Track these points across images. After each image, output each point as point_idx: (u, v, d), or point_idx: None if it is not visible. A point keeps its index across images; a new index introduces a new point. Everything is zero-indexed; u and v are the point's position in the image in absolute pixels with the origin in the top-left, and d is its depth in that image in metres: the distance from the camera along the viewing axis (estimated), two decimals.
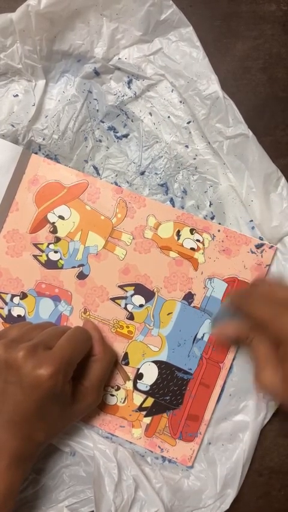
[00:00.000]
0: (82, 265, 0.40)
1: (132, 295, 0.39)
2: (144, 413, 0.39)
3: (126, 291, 0.39)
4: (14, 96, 0.41)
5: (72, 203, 0.40)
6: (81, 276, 0.40)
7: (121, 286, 0.39)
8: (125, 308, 0.39)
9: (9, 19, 0.37)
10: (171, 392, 0.38)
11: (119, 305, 0.39)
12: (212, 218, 0.40)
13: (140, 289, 0.39)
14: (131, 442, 0.39)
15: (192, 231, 0.39)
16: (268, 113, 0.40)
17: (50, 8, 0.37)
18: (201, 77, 0.38)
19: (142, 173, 0.40)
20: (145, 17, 0.38)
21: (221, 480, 0.37)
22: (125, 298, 0.39)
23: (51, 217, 0.40)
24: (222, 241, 0.39)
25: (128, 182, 0.40)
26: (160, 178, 0.40)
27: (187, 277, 0.39)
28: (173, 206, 0.40)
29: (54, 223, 0.40)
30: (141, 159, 0.40)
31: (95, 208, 0.40)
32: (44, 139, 0.40)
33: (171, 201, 0.40)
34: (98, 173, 0.41)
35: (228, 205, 0.40)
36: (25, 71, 0.39)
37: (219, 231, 0.39)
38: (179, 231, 0.39)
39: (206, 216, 0.40)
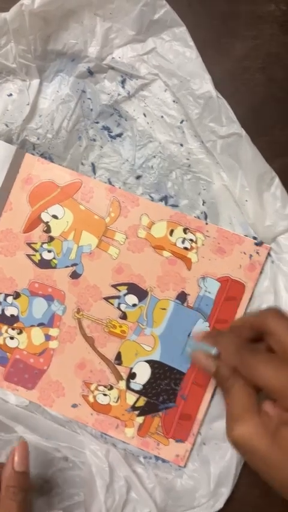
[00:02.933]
0: (75, 264, 0.40)
1: (125, 295, 0.39)
2: (137, 412, 0.38)
3: (120, 291, 0.39)
4: (8, 95, 0.41)
5: (66, 202, 0.40)
6: (75, 275, 0.40)
7: (114, 286, 0.39)
8: (118, 308, 0.39)
9: (3, 18, 0.37)
10: (164, 392, 0.38)
11: (112, 304, 0.39)
12: (206, 217, 0.40)
13: (133, 288, 0.39)
14: (124, 442, 0.39)
15: (185, 230, 0.39)
16: (266, 113, 0.40)
17: (43, 8, 0.37)
18: (194, 77, 0.38)
19: (138, 177, 0.40)
20: (138, 16, 0.38)
21: (214, 479, 0.37)
22: (118, 297, 0.39)
23: (45, 217, 0.40)
24: (216, 241, 0.39)
25: (121, 181, 0.40)
26: (154, 177, 0.40)
27: (180, 277, 0.39)
28: (166, 205, 0.40)
29: (47, 222, 0.40)
30: (134, 158, 0.40)
31: (89, 207, 0.40)
32: (38, 138, 0.40)
33: (165, 200, 0.40)
34: (94, 172, 0.40)
35: (222, 205, 0.40)
36: (19, 70, 0.39)
37: (212, 230, 0.39)
38: (172, 231, 0.39)
39: (200, 215, 0.40)
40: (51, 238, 0.40)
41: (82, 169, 0.41)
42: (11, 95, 0.41)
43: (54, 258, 0.40)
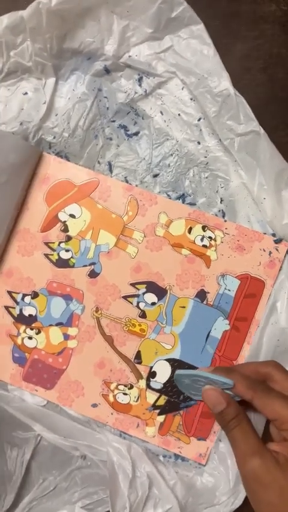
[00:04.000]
0: (93, 263, 0.39)
1: (144, 293, 0.39)
2: (157, 411, 0.38)
3: (138, 289, 0.39)
4: (24, 94, 0.40)
5: (83, 201, 0.40)
6: (93, 274, 0.39)
7: (133, 284, 0.39)
8: (137, 306, 0.39)
9: (20, 17, 0.37)
10: None
11: (131, 303, 0.39)
12: (223, 215, 0.40)
13: (152, 287, 0.39)
14: (144, 441, 0.39)
15: (204, 228, 0.39)
16: (268, 113, 0.40)
17: (61, 6, 0.36)
18: (212, 74, 0.38)
19: (155, 176, 0.40)
20: (156, 14, 0.38)
21: (233, 476, 0.37)
22: (137, 296, 0.39)
23: (62, 216, 0.40)
24: (235, 238, 0.39)
25: (138, 180, 0.40)
26: (171, 175, 0.40)
27: (199, 275, 0.39)
28: (184, 203, 0.40)
29: (65, 221, 0.40)
30: (151, 156, 0.40)
31: (106, 206, 0.40)
32: (54, 137, 0.40)
33: (182, 198, 0.40)
34: (111, 170, 0.40)
35: (240, 203, 0.40)
36: (35, 69, 0.39)
37: (231, 228, 0.39)
38: (190, 228, 0.39)
39: (217, 213, 0.40)
40: (69, 238, 0.40)
41: (98, 168, 0.41)
42: (26, 93, 0.40)
43: (72, 257, 0.39)
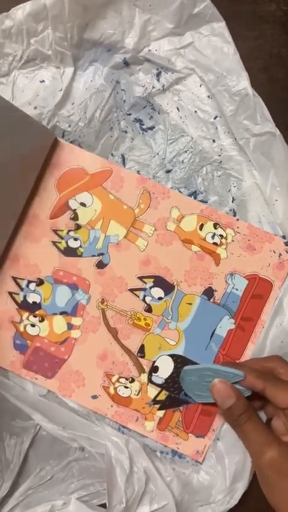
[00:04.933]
0: (102, 254, 0.39)
1: (151, 287, 0.39)
2: (158, 406, 0.38)
3: (146, 283, 0.39)
4: (41, 81, 0.40)
5: (95, 190, 0.39)
6: (101, 265, 0.39)
7: (140, 278, 0.39)
8: (144, 300, 0.39)
9: (43, 4, 0.37)
10: None
11: (138, 296, 0.39)
12: (234, 215, 0.40)
13: (159, 281, 0.39)
14: (142, 436, 0.39)
15: (215, 225, 0.39)
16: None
17: None
18: (231, 73, 0.38)
19: (168, 171, 0.40)
20: (178, 9, 0.38)
21: (230, 475, 0.37)
22: (144, 290, 0.39)
23: (73, 204, 0.39)
24: (246, 237, 0.39)
25: (151, 175, 0.40)
26: (184, 172, 0.40)
27: (208, 272, 0.39)
28: (195, 200, 0.40)
29: (75, 210, 0.39)
30: (165, 152, 0.40)
31: (118, 197, 0.39)
32: (69, 125, 0.40)
33: (194, 195, 0.40)
34: (124, 164, 0.40)
35: (251, 203, 0.40)
36: (54, 57, 0.39)
37: (242, 227, 0.39)
38: (202, 225, 0.39)
39: (228, 212, 0.40)
40: (78, 226, 0.39)
41: (112, 160, 0.41)
42: (43, 81, 0.40)
43: (80, 247, 0.39)
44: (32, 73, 0.40)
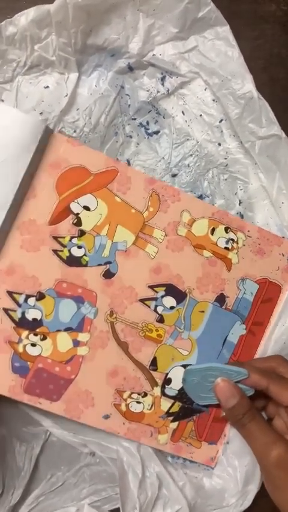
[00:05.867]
0: (109, 262, 0.36)
1: (163, 296, 0.37)
2: (171, 418, 0.37)
3: (157, 292, 0.37)
4: (45, 87, 0.40)
5: (100, 192, 0.36)
6: (108, 274, 0.36)
7: (151, 287, 0.37)
8: (155, 310, 0.37)
9: (46, 10, 0.37)
10: None
11: (149, 307, 0.37)
12: (241, 218, 0.40)
13: (171, 290, 0.37)
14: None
15: (227, 229, 0.38)
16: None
17: (88, 1, 0.36)
18: (236, 76, 0.38)
19: (174, 176, 0.40)
20: (182, 13, 0.38)
21: (241, 477, 0.37)
22: (155, 299, 0.37)
23: (75, 208, 0.36)
24: (257, 241, 0.38)
25: (157, 179, 0.40)
26: (190, 176, 0.40)
27: (220, 278, 0.38)
28: None
29: (78, 214, 0.36)
30: (171, 156, 0.40)
31: (125, 199, 0.36)
32: (75, 131, 0.40)
33: (200, 199, 0.40)
34: None
35: (258, 206, 0.40)
36: (58, 63, 0.39)
37: (253, 230, 0.38)
38: (213, 229, 0.38)
39: (235, 215, 0.40)
40: (82, 233, 0.36)
41: None
42: (47, 87, 0.40)
43: (85, 255, 0.36)
44: (35, 79, 0.40)
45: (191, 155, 0.40)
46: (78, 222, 0.36)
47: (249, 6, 0.41)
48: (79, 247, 0.36)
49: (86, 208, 0.36)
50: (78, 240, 0.36)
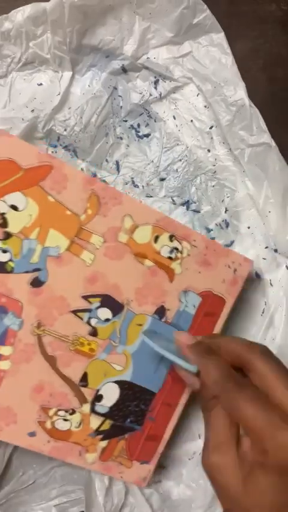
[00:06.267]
0: (38, 269, 0.32)
1: (97, 308, 0.33)
2: (100, 437, 0.34)
3: (91, 303, 0.33)
4: (38, 84, 0.40)
5: (30, 191, 0.32)
6: (37, 283, 0.32)
7: (85, 297, 0.33)
8: (88, 323, 0.33)
9: (43, 9, 0.37)
10: (132, 414, 0.34)
11: (81, 319, 0.33)
12: (227, 225, 0.40)
13: (107, 301, 0.34)
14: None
15: (171, 237, 0.35)
16: (268, 113, 0.40)
17: (84, 1, 0.36)
18: (228, 83, 0.38)
19: (162, 179, 0.40)
20: (178, 18, 0.38)
21: (211, 490, 0.36)
22: (89, 311, 0.33)
23: (1, 207, 0.31)
24: (203, 252, 0.35)
25: (144, 182, 0.40)
26: (178, 181, 0.40)
27: (161, 290, 0.35)
28: (188, 210, 0.40)
29: (4, 214, 0.31)
30: (160, 160, 0.40)
31: (60, 200, 0.32)
32: (65, 130, 0.40)
33: (187, 205, 0.40)
34: (118, 170, 0.40)
35: (244, 214, 0.39)
36: (52, 61, 0.39)
37: (199, 240, 0.36)
38: (157, 237, 0.34)
39: (221, 223, 0.40)
40: (8, 235, 0.32)
41: (106, 166, 0.40)
42: (41, 84, 0.40)
43: (10, 260, 0.32)
44: (29, 75, 0.40)
45: (180, 160, 0.40)
46: (3, 223, 0.32)
47: (249, 6, 0.41)
48: (4, 251, 0.32)
49: (14, 207, 0.32)
50: (3, 243, 0.32)
